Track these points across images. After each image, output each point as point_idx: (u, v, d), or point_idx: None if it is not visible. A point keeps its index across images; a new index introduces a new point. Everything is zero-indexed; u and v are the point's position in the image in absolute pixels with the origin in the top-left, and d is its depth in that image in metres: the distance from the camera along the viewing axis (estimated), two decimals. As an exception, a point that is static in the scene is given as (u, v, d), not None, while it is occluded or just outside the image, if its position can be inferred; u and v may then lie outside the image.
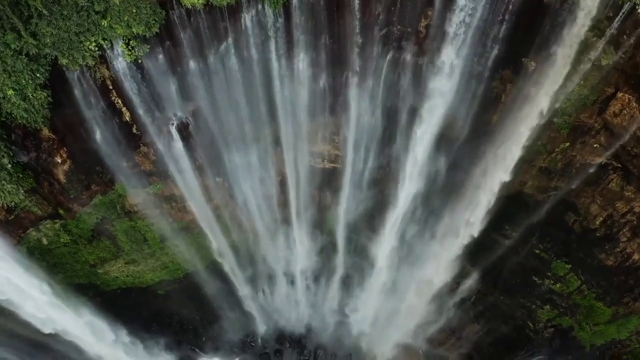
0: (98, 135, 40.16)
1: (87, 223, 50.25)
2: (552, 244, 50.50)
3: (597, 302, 50.87)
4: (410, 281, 62.30)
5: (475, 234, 49.00)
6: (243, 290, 67.35)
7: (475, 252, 54.08)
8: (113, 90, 38.07)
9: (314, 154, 49.01)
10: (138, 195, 49.15)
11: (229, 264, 61.42)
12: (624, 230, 44.33)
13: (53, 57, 33.79)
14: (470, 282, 59.19)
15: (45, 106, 35.86)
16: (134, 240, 54.72)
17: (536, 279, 54.27)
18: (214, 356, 73.35)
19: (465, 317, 65.53)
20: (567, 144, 42.05)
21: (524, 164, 44.42)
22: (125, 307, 63.50)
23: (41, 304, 46.72)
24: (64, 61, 33.66)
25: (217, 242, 56.64)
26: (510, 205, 48.88)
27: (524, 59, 36.77)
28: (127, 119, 40.82)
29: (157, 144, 42.62)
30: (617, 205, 43.19)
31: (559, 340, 57.24)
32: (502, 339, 62.99)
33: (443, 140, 43.65)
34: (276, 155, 48.07)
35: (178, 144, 42.17)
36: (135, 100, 38.61)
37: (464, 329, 66.88)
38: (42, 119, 36.41)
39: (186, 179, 47.32)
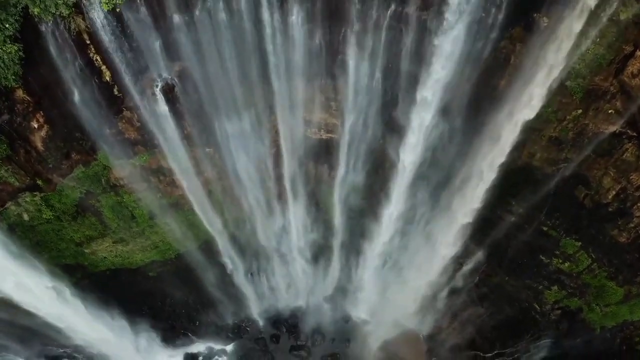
0: (76, 97, 37.22)
1: (70, 197, 47.44)
2: (561, 221, 47.84)
3: (609, 281, 48.20)
4: (411, 261, 59.45)
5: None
6: (237, 272, 64.61)
7: (479, 230, 51.16)
8: (91, 46, 35.15)
9: (310, 123, 46.16)
10: (123, 168, 46.30)
11: (221, 243, 58.41)
12: (639, 204, 41.24)
13: (23, 6, 30.67)
14: (474, 263, 56.35)
15: (17, 62, 32.98)
16: (121, 217, 51.93)
17: (543, 258, 51.64)
18: (208, 341, 71.01)
19: (468, 300, 62.94)
20: (580, 111, 39.37)
21: (532, 134, 41.32)
22: (115, 289, 60.44)
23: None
24: (35, 10, 30.76)
25: (208, 219, 53.48)
26: (516, 179, 46.35)
27: (535, 15, 33.83)
28: (108, 79, 37.90)
29: (141, 109, 39.75)
30: (631, 177, 40.55)
31: (567, 322, 54.66)
32: (506, 323, 60.36)
33: (447, 106, 40.49)
34: (270, 123, 45.15)
35: (163, 108, 39.28)
36: (116, 57, 35.70)
37: (467, 313, 64.23)
38: (13, 76, 33.53)
39: (174, 150, 44.49)
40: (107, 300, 57.79)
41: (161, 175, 48.68)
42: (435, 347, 70.02)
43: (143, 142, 44.42)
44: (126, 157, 45.03)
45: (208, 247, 61.02)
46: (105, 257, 57.31)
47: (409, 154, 43.38)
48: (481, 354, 63.64)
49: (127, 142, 43.93)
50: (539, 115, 38.98)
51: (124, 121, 42.06)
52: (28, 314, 47.51)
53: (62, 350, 60.17)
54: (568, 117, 40.59)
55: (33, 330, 51.90)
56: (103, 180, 47.48)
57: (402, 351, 71.66)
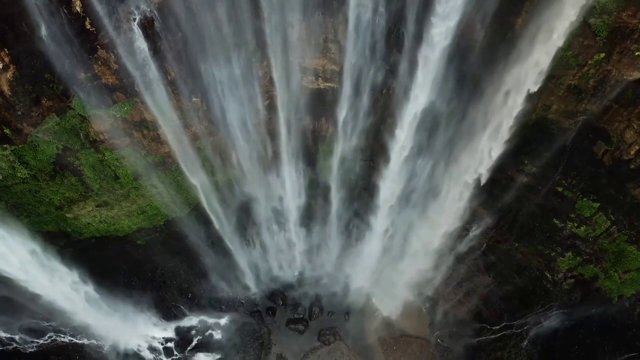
0: (43, 31, 33.06)
1: (46, 153, 43.56)
2: (577, 180, 44.54)
3: (629, 245, 44.80)
4: (414, 228, 55.61)
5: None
6: (230, 240, 61.00)
7: (488, 192, 47.36)
8: (56, -32, 30.74)
9: (306, 71, 42.20)
10: (103, 120, 42.38)
11: (211, 207, 54.54)
12: (665, 160, 37.34)
13: None
14: (481, 228, 52.63)
15: (-29, -16, 28.58)
16: (103, 177, 48.10)
17: (557, 222, 48.24)
18: (201, 314, 67.73)
19: (474, 269, 59.50)
20: (603, 54, 35.93)
21: (549, 82, 37.55)
22: (102, 259, 56.70)
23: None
24: None
25: (197, 180, 49.48)
26: (530, 135, 43.03)
27: (558, -64, 29.66)
28: (78, 10, 33.75)
29: (117, 47, 35.44)
30: (658, 130, 36.21)
31: (580, 292, 50.98)
32: (515, 293, 57.01)
33: (458, 48, 36.35)
34: (262, 70, 40.95)
35: (142, 46, 35.22)
36: (86, -17, 31.27)
37: (473, 283, 60.67)
38: (-32, 2, 29.16)
39: (157, 98, 40.58)
40: (92, 271, 53.92)
41: (145, 129, 44.70)
42: (438, 320, 66.84)
43: (122, 89, 40.31)
44: (104, 106, 40.94)
45: (199, 214, 57.26)
46: (89, 223, 53.57)
47: (416, 101, 39.12)
48: (488, 327, 60.12)
49: (104, 88, 39.84)
50: (558, 60, 34.88)
51: (99, 63, 37.88)
52: (9, 284, 44.10)
53: (47, 324, 56.65)
54: (589, 62, 36.97)
55: (15, 303, 48.65)
56: (81, 134, 43.59)
57: (404, 325, 68.93)
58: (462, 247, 56.67)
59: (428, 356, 66.05)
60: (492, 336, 59.84)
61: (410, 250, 59.74)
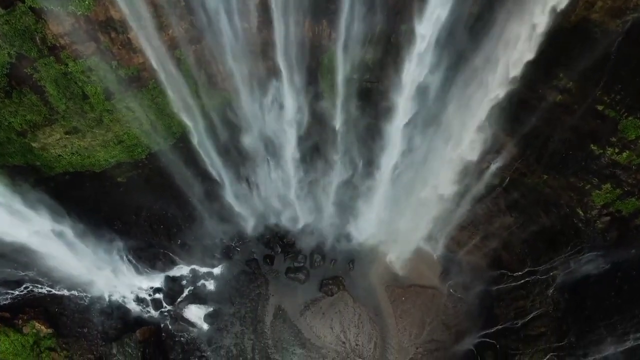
0: None
1: (-5, 63, 36.51)
2: (622, 95, 38.25)
3: (682, 173, 37.74)
4: (426, 161, 48.87)
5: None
6: (222, 178, 54.75)
7: (513, 115, 41.05)
8: None
9: (302, -45, 34.75)
10: (61, 20, 35.67)
11: (199, 139, 47.75)
12: None
13: None
14: (504, 160, 45.92)
15: None
16: (69, 95, 41.56)
17: (595, 148, 42.32)
18: (191, 262, 63.68)
19: (494, 209, 53.11)
20: None
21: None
22: (79, 199, 50.22)
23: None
24: None
25: (179, 101, 42.58)
26: (567, 43, 36.82)
27: None
28: None
29: None
30: None
31: (616, 231, 44.59)
32: (540, 234, 51.13)
33: None
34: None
35: None
36: None
37: (491, 225, 54.31)
38: None
39: (123, -13, 33.07)
40: (69, 213, 47.61)
41: (112, 32, 37.83)
42: (451, 268, 61.36)
43: (77, -29, 32.97)
44: (59, -5, 33.67)
45: (186, 146, 50.83)
46: (60, 155, 47.56)
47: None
48: (508, 273, 54.02)
49: (54, -30, 32.48)
50: None
51: None
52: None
53: (23, 274, 51.38)
54: None
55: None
56: (37, 37, 36.92)
57: (413, 274, 64.50)
58: (481, 184, 49.73)
59: (440, 307, 61.24)
60: (513, 284, 55.06)
61: (422, 188, 52.89)
